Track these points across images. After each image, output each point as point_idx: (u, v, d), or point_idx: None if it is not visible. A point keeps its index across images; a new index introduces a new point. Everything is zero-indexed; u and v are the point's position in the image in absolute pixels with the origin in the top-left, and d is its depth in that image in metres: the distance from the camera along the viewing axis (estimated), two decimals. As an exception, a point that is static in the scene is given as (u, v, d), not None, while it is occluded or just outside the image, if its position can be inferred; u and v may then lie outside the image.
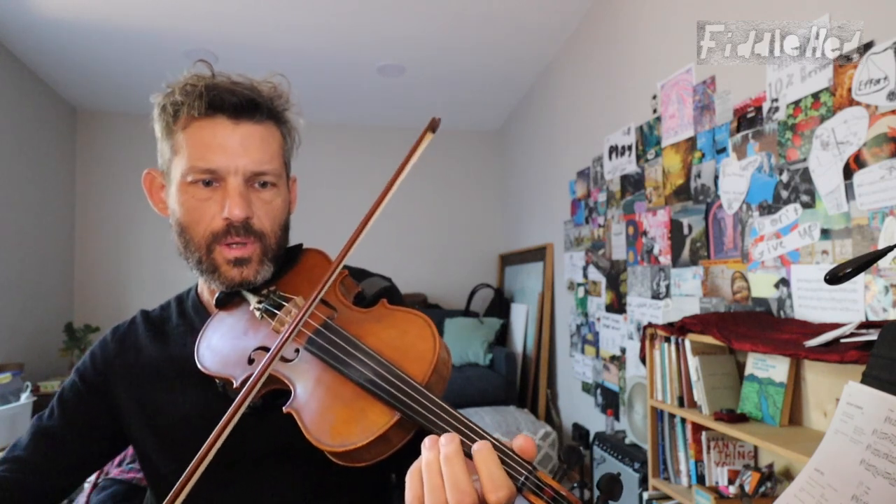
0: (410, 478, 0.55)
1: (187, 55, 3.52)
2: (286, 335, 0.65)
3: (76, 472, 0.85)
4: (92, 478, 1.21)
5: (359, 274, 0.91)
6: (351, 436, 0.62)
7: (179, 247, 0.80)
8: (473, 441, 0.57)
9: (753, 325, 1.69)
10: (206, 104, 0.76)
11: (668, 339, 1.93)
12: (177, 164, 0.78)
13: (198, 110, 0.76)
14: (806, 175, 1.66)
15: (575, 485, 2.89)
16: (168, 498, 0.57)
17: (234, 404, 0.61)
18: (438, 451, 0.55)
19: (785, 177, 1.75)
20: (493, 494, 0.52)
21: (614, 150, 2.88)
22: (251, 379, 0.63)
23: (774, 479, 1.62)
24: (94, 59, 3.63)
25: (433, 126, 0.71)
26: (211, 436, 0.59)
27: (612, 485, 0.54)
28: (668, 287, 2.38)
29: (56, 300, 4.22)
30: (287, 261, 0.86)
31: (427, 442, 0.56)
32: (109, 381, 0.85)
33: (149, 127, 0.83)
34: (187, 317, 0.90)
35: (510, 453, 0.56)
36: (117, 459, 1.23)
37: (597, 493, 0.55)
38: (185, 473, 0.58)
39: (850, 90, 1.51)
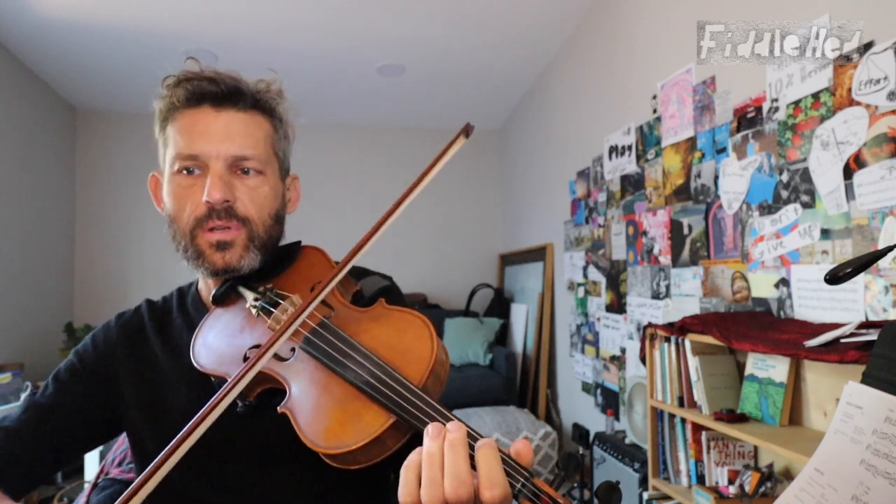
0: (405, 472, 0.54)
1: (187, 55, 3.51)
2: (278, 335, 0.65)
3: (62, 452, 0.83)
4: (92, 478, 1.21)
5: (359, 272, 0.90)
6: (345, 438, 0.61)
7: (170, 238, 0.81)
8: (474, 440, 0.56)
9: (753, 325, 1.68)
10: (186, 94, 0.78)
11: (668, 339, 1.93)
12: (167, 157, 0.80)
13: (178, 100, 0.78)
14: (806, 175, 1.66)
15: (575, 485, 2.89)
16: (138, 480, 0.54)
17: (217, 394, 0.60)
18: (442, 441, 0.53)
19: (785, 177, 1.75)
20: (488, 491, 0.51)
21: (614, 150, 2.88)
22: (238, 371, 0.62)
23: (774, 479, 1.62)
24: (94, 59, 3.63)
25: (467, 131, 0.71)
26: (190, 423, 0.58)
27: (611, 493, 0.53)
28: (668, 287, 2.38)
29: (56, 300, 4.22)
30: (285, 258, 0.85)
31: (431, 430, 0.55)
32: (110, 366, 0.85)
33: (149, 126, 0.85)
34: (186, 311, 0.90)
35: (507, 459, 0.54)
36: (117, 460, 1.22)
37: (595, 502, 0.53)
38: (159, 457, 0.56)
39: (850, 90, 1.51)
